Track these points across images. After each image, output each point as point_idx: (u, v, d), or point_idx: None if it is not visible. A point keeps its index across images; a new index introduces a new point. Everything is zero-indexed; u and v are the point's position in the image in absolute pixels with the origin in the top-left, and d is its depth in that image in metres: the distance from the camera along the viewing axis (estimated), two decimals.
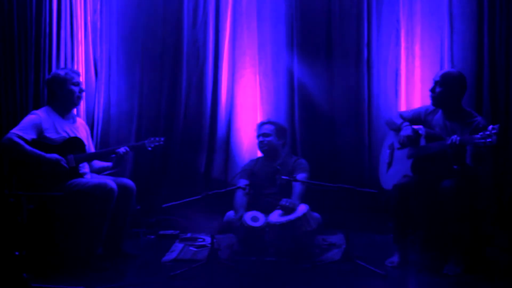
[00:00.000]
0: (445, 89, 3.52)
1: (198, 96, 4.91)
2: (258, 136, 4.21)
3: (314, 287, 3.20)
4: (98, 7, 4.89)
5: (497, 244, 3.87)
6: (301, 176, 3.98)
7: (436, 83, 3.57)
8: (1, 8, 4.45)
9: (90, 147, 3.95)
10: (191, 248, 4.04)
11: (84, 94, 4.00)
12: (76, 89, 3.77)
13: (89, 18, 4.84)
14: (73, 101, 3.79)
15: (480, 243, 3.64)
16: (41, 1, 4.52)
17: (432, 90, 3.59)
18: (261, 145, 4.19)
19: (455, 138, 3.21)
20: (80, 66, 4.71)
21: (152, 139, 3.88)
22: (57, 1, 4.60)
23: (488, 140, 2.98)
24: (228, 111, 4.93)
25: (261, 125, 4.23)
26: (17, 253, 3.03)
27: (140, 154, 4.75)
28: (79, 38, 4.74)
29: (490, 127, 3.01)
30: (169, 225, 4.59)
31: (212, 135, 4.92)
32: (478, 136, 3.05)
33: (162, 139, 3.90)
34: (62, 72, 3.79)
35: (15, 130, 3.55)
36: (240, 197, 4.00)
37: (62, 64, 4.59)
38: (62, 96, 3.75)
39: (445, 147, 3.27)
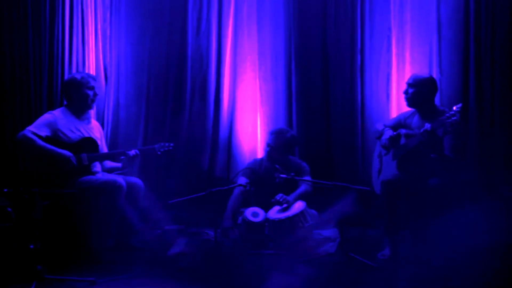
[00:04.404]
0: (416, 90, 3.66)
1: (202, 99, 4.93)
2: (268, 145, 4.17)
3: (310, 279, 3.22)
4: (108, 16, 4.92)
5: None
6: (305, 178, 4.00)
7: (409, 85, 3.71)
8: (17, 16, 4.47)
9: (103, 148, 3.95)
10: (195, 241, 4.05)
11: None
12: (90, 93, 3.78)
13: (99, 26, 4.86)
14: (87, 104, 3.80)
15: (468, 236, 3.66)
16: (54, 10, 4.54)
17: (406, 92, 3.73)
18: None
19: (426, 125, 3.32)
20: (91, 71, 4.72)
21: (162, 144, 3.87)
22: (70, 10, 4.63)
23: (453, 118, 3.14)
24: (229, 113, 4.95)
25: (273, 134, 4.17)
26: (31, 246, 3.05)
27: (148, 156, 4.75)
28: (90, 45, 4.76)
29: (454, 106, 3.17)
30: (175, 220, 4.60)
31: (215, 136, 4.94)
32: (444, 117, 3.19)
33: (171, 144, 3.90)
34: (78, 76, 3.79)
35: (29, 127, 3.57)
36: (233, 200, 4.02)
37: (74, 70, 4.60)
38: (77, 99, 3.76)
39: (421, 137, 3.33)
